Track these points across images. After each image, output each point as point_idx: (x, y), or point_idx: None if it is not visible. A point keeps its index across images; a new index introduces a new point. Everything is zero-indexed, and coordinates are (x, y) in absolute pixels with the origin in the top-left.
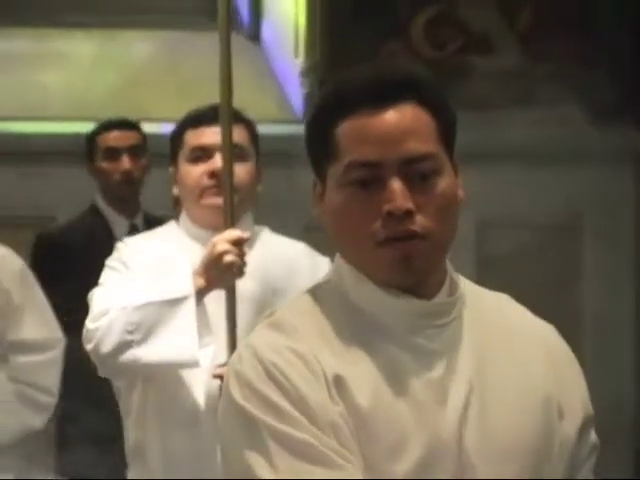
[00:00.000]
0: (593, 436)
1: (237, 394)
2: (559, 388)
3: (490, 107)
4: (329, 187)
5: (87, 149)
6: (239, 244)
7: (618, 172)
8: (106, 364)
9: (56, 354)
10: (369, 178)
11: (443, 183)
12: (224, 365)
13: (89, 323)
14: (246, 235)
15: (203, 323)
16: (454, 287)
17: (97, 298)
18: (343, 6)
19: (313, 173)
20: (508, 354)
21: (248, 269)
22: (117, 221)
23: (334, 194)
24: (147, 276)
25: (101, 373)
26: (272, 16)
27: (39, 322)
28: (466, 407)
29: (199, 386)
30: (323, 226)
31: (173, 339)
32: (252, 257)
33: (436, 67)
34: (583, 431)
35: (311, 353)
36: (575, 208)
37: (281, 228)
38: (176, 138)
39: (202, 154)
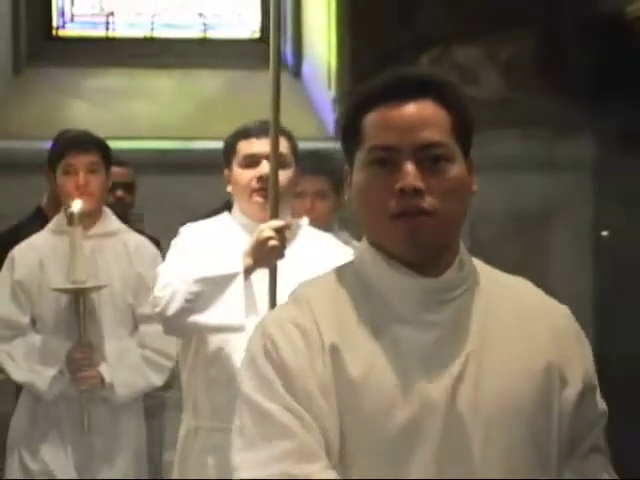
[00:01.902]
0: (600, 405)
1: (243, 359)
2: (562, 359)
3: (477, 127)
4: (355, 170)
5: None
6: (281, 231)
7: (579, 177)
8: (169, 325)
9: None
10: (387, 160)
11: (453, 170)
12: None
13: (157, 292)
14: (287, 224)
15: (249, 296)
16: (462, 267)
17: (163, 272)
18: (365, 50)
19: (346, 162)
20: (513, 327)
21: (289, 255)
22: None
23: (358, 175)
24: (204, 255)
25: (165, 332)
26: (310, 57)
27: None
28: (461, 374)
29: (240, 347)
30: (352, 209)
31: (224, 307)
32: (292, 247)
33: None
34: (583, 398)
35: (313, 324)
36: (545, 206)
37: None
38: (230, 146)
39: (252, 161)
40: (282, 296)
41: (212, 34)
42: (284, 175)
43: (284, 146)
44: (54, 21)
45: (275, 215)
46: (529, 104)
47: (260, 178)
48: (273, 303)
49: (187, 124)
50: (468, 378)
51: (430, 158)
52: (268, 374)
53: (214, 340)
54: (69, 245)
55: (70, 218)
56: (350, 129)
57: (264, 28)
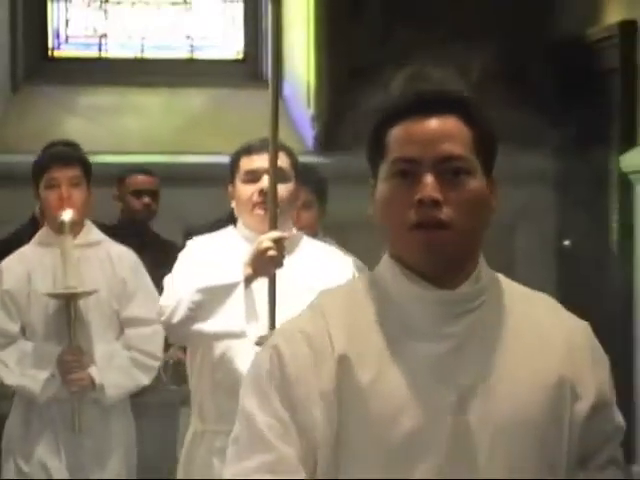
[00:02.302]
0: (616, 420)
1: (249, 368)
2: (575, 374)
3: None
4: (379, 181)
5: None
6: (279, 242)
7: (543, 188)
8: (174, 333)
9: (159, 327)
10: (408, 172)
11: (472, 183)
12: (264, 336)
13: (163, 301)
14: (285, 235)
15: (250, 304)
16: (479, 280)
17: (169, 283)
18: (342, 70)
19: (371, 176)
20: (527, 341)
21: (290, 265)
22: None
23: (381, 186)
24: (209, 267)
25: (171, 340)
26: (290, 78)
27: (147, 302)
28: (472, 386)
29: (244, 353)
30: (374, 222)
31: (226, 315)
32: (293, 258)
33: None
34: (595, 413)
35: (324, 332)
36: (511, 216)
37: None
38: (233, 163)
39: (253, 176)
40: (282, 304)
41: (198, 55)
42: (284, 189)
43: (284, 161)
44: (50, 42)
45: (274, 227)
46: (498, 118)
47: (261, 192)
48: (273, 310)
49: (175, 139)
50: (478, 390)
51: (450, 171)
52: (265, 386)
53: (218, 346)
54: (61, 252)
55: (61, 227)
56: (375, 143)
57: (247, 49)
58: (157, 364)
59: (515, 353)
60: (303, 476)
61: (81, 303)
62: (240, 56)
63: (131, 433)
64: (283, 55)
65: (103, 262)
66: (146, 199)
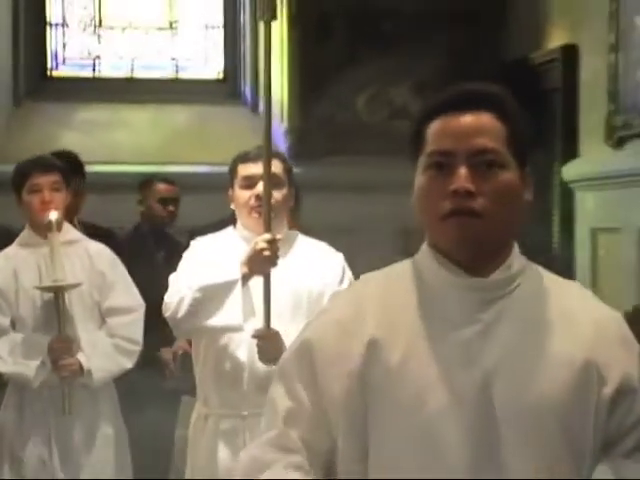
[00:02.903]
0: None
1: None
2: (602, 359)
3: (407, 154)
4: (417, 173)
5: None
6: (273, 243)
7: None
8: (178, 327)
9: (139, 315)
10: (444, 164)
11: (505, 175)
12: (260, 329)
13: (167, 298)
14: (278, 237)
15: (247, 300)
16: (510, 269)
17: (174, 281)
18: (311, 90)
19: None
20: (556, 326)
21: (285, 264)
22: None
23: (419, 178)
24: (210, 265)
25: (175, 334)
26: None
27: (126, 293)
28: (497, 369)
29: (244, 345)
30: (414, 212)
31: (225, 311)
32: (288, 257)
33: (370, 130)
34: (622, 399)
35: (357, 317)
36: None
37: None
38: (232, 170)
39: (249, 182)
40: (278, 299)
41: (183, 75)
42: (279, 193)
43: (278, 168)
44: (48, 63)
45: (268, 229)
46: None
47: (257, 197)
48: (268, 306)
49: (161, 151)
50: (504, 372)
51: (483, 163)
52: (292, 376)
53: (220, 338)
54: (49, 249)
55: (49, 226)
56: (415, 137)
57: (226, 70)
58: (138, 348)
59: (543, 337)
60: (303, 457)
61: (65, 296)
62: (220, 76)
63: (117, 413)
64: (259, 77)
65: (82, 258)
66: (171, 207)
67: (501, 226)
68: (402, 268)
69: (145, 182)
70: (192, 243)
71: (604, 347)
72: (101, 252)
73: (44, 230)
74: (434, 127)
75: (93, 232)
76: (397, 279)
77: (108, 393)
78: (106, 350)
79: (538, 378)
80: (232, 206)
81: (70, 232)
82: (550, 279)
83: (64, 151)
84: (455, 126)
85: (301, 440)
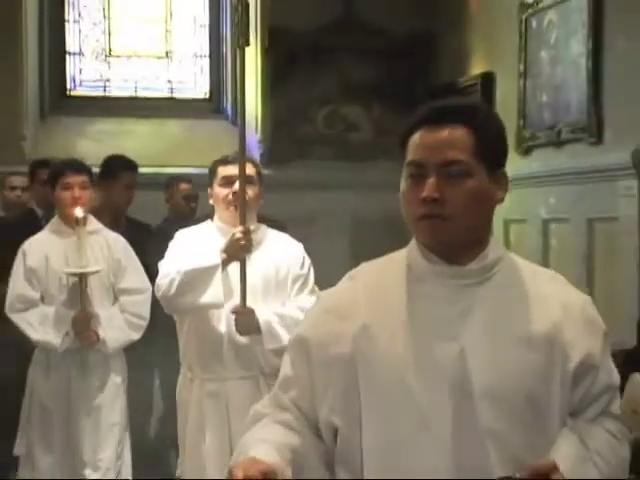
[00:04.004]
0: (609, 380)
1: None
2: (567, 339)
3: (358, 159)
4: (402, 179)
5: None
6: (248, 234)
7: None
8: (168, 305)
9: (147, 295)
10: (418, 174)
11: (470, 183)
12: (237, 306)
13: (158, 280)
14: (252, 228)
15: (226, 282)
16: (486, 259)
17: (163, 266)
18: (281, 106)
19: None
20: (526, 308)
21: (256, 252)
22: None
23: (402, 184)
24: (192, 252)
25: (166, 310)
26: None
27: (136, 276)
28: (473, 343)
29: (223, 319)
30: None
31: (207, 291)
32: (258, 246)
33: (327, 140)
34: (585, 374)
35: (352, 303)
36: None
37: None
38: (212, 171)
39: (227, 181)
40: (251, 281)
41: (176, 95)
42: (251, 191)
43: (251, 170)
44: (67, 84)
45: (243, 222)
46: (392, 144)
47: (234, 194)
48: (244, 287)
49: (158, 155)
50: (479, 350)
51: (450, 173)
52: (295, 346)
53: (203, 315)
54: (77, 240)
55: (77, 221)
56: (401, 147)
57: (211, 91)
58: (145, 323)
59: (515, 318)
60: (293, 415)
61: (87, 279)
62: (207, 96)
63: (124, 371)
64: (238, 96)
65: (102, 246)
66: (192, 204)
67: (469, 226)
68: (396, 257)
69: (170, 183)
70: (176, 234)
71: (570, 327)
72: (117, 241)
73: (72, 222)
74: (413, 140)
75: (134, 224)
76: (390, 268)
77: (119, 356)
78: (119, 324)
79: (509, 354)
80: (211, 202)
81: (93, 223)
82: (526, 267)
83: (119, 155)
84: (428, 139)
85: (292, 401)
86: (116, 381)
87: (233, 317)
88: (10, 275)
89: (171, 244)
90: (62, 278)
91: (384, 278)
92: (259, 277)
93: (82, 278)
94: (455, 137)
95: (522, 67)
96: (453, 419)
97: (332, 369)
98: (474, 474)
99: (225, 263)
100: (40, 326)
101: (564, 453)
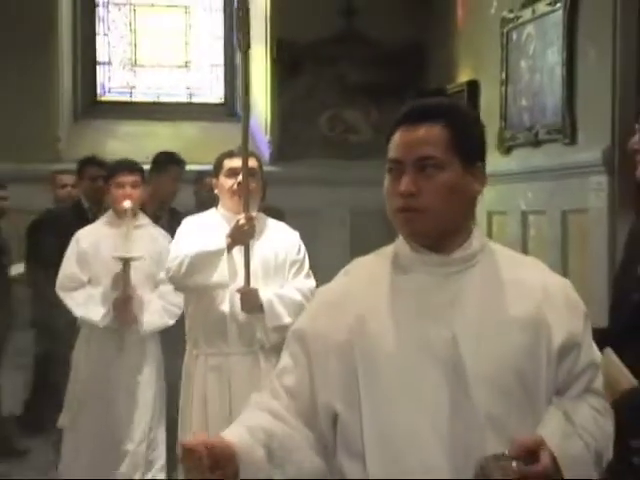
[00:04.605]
0: (587, 358)
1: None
2: (550, 320)
3: (356, 158)
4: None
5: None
6: (251, 221)
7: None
8: (178, 285)
9: None
10: (397, 169)
11: (443, 177)
12: (241, 287)
13: (169, 263)
14: (254, 215)
15: (231, 264)
16: (469, 248)
17: (172, 249)
18: (288, 110)
19: None
20: (511, 293)
21: (257, 238)
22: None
23: (385, 179)
24: (199, 237)
25: (176, 290)
26: (254, 116)
27: None
28: (464, 327)
29: (226, 299)
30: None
31: (213, 272)
32: (259, 233)
33: (329, 141)
34: (567, 352)
35: (347, 296)
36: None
37: None
38: (218, 163)
39: (232, 172)
40: (253, 264)
41: (194, 100)
42: (254, 182)
43: (254, 163)
44: (98, 91)
45: (247, 210)
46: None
47: (239, 184)
48: (247, 269)
49: (179, 154)
50: (469, 333)
51: (425, 168)
52: (293, 347)
53: (208, 294)
54: (125, 230)
55: (126, 213)
56: (386, 144)
57: (225, 96)
58: (179, 311)
59: (501, 302)
60: (283, 403)
61: (130, 266)
62: (221, 101)
63: (159, 351)
64: (249, 99)
65: (147, 239)
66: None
67: (445, 217)
68: (385, 251)
69: (198, 178)
70: (183, 221)
71: (552, 309)
72: (160, 235)
73: (122, 214)
74: (394, 138)
75: (174, 213)
76: (381, 261)
77: (154, 338)
78: (156, 309)
79: (497, 336)
80: (216, 191)
81: (141, 219)
82: (508, 255)
83: (168, 151)
84: (405, 138)
85: (286, 390)
86: (151, 362)
87: (237, 297)
88: (60, 258)
89: (179, 230)
90: (109, 263)
91: (375, 271)
92: (259, 262)
93: (126, 263)
94: (430, 134)
95: (504, 75)
96: (450, 402)
97: (330, 357)
98: (471, 455)
99: (230, 247)
100: (85, 304)
101: (551, 429)
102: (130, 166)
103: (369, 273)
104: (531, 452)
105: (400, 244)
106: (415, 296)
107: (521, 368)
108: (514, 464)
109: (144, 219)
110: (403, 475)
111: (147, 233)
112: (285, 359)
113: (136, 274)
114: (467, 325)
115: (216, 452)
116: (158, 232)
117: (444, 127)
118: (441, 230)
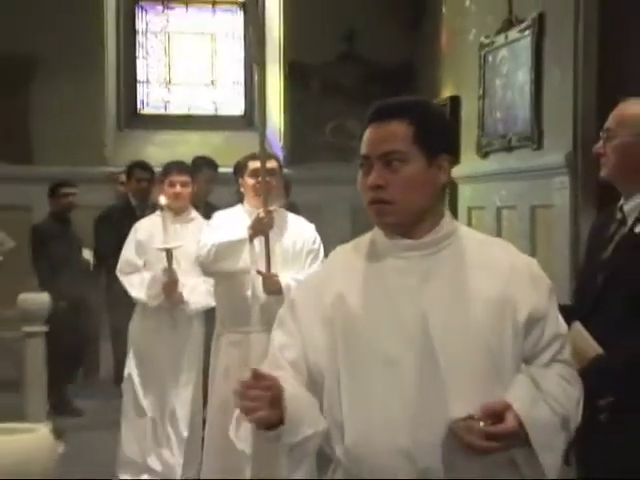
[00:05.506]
0: (552, 330)
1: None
2: (515, 293)
3: (357, 161)
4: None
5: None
6: (270, 214)
7: None
8: (206, 270)
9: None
10: (366, 164)
11: (407, 170)
12: (262, 271)
13: (199, 251)
14: (273, 209)
15: (252, 252)
16: (439, 232)
17: (202, 239)
18: (298, 121)
19: None
20: (478, 271)
21: (277, 229)
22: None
23: (358, 174)
24: (226, 228)
25: (204, 274)
26: (269, 125)
27: None
28: (433, 304)
29: (249, 283)
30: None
31: (237, 259)
32: (279, 225)
33: (334, 147)
34: (533, 325)
35: (329, 277)
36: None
37: None
38: (243, 164)
39: (255, 173)
40: (273, 252)
41: (219, 112)
42: (274, 181)
43: (274, 164)
44: (138, 105)
45: (266, 205)
46: None
47: (259, 182)
48: (268, 257)
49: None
50: (439, 309)
51: (391, 162)
52: (285, 319)
53: (233, 278)
54: (162, 223)
55: (161, 207)
56: (360, 141)
57: (246, 109)
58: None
59: (469, 280)
60: (288, 373)
61: (177, 253)
62: (242, 113)
63: (202, 327)
64: (266, 112)
65: (194, 231)
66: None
67: (412, 207)
68: (364, 239)
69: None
70: (213, 215)
71: (517, 285)
72: (199, 222)
73: (172, 210)
74: (364, 135)
75: (211, 207)
76: (360, 247)
77: (199, 317)
78: (201, 290)
79: (465, 311)
80: (242, 190)
81: (191, 213)
82: (478, 238)
83: (203, 155)
84: (372, 135)
85: (288, 362)
86: (196, 338)
87: (259, 281)
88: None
89: (209, 222)
90: (159, 252)
91: (355, 255)
92: (280, 251)
93: (169, 253)
94: (394, 130)
95: (481, 91)
96: (420, 377)
97: (315, 327)
98: (435, 419)
99: (251, 237)
100: (139, 286)
101: (518, 394)
102: (180, 168)
103: (349, 257)
104: (498, 414)
105: (376, 232)
106: (389, 277)
107: (488, 343)
108: (481, 424)
109: (194, 213)
110: (373, 455)
111: (195, 226)
112: (281, 335)
113: (184, 261)
114: (437, 303)
115: (275, 393)
116: (202, 222)
117: (408, 123)
118: (410, 219)
